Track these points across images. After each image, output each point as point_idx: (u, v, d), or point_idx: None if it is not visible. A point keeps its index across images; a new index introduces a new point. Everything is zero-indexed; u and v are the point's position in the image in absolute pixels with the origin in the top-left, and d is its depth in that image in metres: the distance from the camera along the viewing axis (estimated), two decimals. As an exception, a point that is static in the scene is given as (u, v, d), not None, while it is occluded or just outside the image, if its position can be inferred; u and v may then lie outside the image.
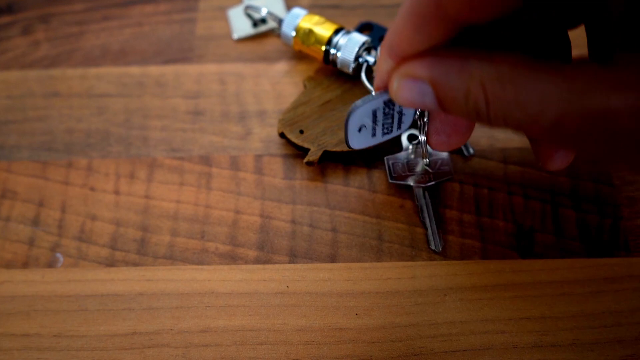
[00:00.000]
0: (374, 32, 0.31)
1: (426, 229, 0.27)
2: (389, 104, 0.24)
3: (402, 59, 0.20)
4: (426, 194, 0.27)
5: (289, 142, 0.29)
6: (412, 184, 0.27)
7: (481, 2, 0.16)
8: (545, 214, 0.27)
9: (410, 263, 0.26)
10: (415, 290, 0.26)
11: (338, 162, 0.29)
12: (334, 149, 0.28)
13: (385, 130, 0.25)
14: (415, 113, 0.25)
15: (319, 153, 0.28)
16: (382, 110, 0.24)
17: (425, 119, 0.25)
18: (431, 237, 0.27)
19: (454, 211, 0.27)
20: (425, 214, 0.27)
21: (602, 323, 0.25)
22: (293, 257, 0.27)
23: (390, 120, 0.25)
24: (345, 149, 0.28)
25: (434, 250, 0.26)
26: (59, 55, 0.33)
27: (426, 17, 0.17)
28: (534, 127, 0.15)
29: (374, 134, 0.25)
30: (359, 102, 0.23)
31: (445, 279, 0.26)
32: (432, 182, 0.27)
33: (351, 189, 0.28)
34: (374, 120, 0.24)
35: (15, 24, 0.34)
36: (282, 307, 0.25)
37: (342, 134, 0.28)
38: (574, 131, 0.15)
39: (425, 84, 0.19)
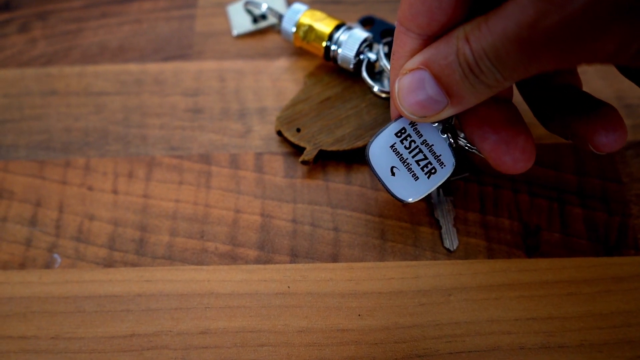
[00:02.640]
0: (376, 27, 0.30)
1: (440, 227, 0.26)
2: (402, 134, 0.23)
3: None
4: (440, 191, 0.27)
5: (286, 141, 0.28)
6: None
7: None
8: (551, 212, 0.27)
9: (413, 262, 0.26)
10: (419, 291, 0.25)
11: (340, 160, 0.28)
12: (330, 148, 0.27)
13: (425, 170, 0.24)
14: (445, 136, 0.23)
15: (314, 152, 0.27)
16: (401, 144, 0.23)
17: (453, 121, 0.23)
18: (446, 235, 0.26)
19: (458, 209, 0.27)
20: (440, 212, 0.26)
21: (610, 323, 0.24)
22: (294, 256, 0.26)
23: (422, 156, 0.24)
24: (342, 148, 0.27)
25: (448, 249, 0.26)
26: (57, 53, 0.32)
27: None
28: (505, 43, 0.17)
29: (415, 177, 0.24)
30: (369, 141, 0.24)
31: (450, 279, 0.25)
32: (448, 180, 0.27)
33: (353, 187, 0.28)
34: (402, 159, 0.24)
35: (13, 21, 0.34)
36: (283, 308, 0.25)
37: (338, 133, 0.28)
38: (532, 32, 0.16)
39: (421, 70, 0.20)
